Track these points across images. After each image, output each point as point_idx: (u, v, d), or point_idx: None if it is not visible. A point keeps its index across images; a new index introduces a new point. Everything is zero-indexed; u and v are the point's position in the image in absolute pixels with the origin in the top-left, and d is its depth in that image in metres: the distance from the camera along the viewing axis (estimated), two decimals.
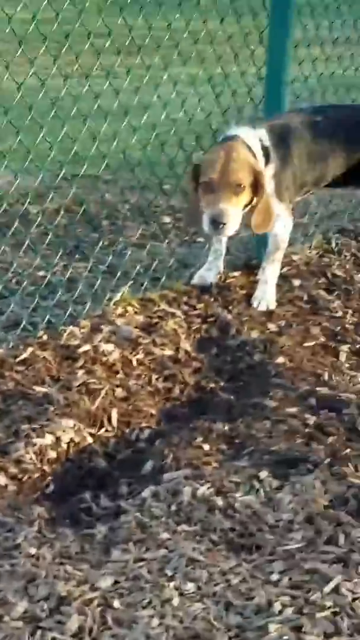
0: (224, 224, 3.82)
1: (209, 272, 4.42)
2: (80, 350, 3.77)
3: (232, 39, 4.75)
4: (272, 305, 4.28)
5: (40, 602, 2.46)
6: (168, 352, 3.87)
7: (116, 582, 2.57)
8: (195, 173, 3.99)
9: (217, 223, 3.83)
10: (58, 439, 3.25)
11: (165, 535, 2.77)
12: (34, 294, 4.20)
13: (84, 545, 2.76)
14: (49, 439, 3.23)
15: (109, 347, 3.81)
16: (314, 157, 4.30)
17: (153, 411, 3.57)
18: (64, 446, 3.26)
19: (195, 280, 4.41)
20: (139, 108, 4.53)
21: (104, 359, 3.75)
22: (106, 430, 3.43)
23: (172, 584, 2.57)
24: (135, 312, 4.13)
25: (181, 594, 2.54)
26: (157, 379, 3.73)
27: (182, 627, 2.43)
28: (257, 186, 3.92)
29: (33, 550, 2.67)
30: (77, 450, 3.29)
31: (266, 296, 4.30)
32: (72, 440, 3.29)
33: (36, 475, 3.14)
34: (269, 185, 4.07)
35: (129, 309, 4.15)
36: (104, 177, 5.32)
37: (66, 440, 3.27)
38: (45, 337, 3.85)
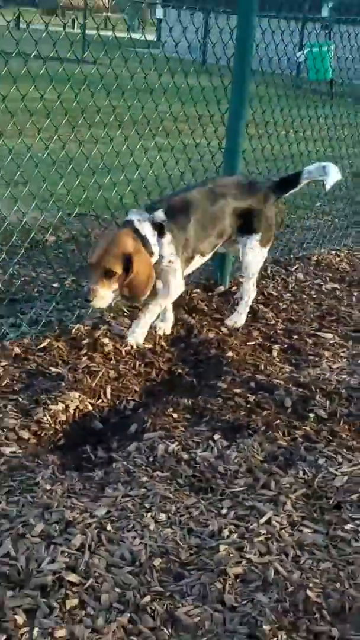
0: (90, 300, 3.47)
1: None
2: (84, 342, 3.77)
3: (202, 119, 4.75)
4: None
5: (53, 525, 2.47)
6: (148, 345, 3.86)
7: (109, 511, 2.58)
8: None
9: (85, 298, 3.54)
10: (67, 406, 3.24)
11: (145, 479, 2.79)
12: (51, 301, 4.18)
13: (85, 484, 2.76)
14: (60, 406, 3.22)
15: (106, 340, 3.80)
16: (208, 219, 3.85)
17: (137, 388, 3.55)
18: (72, 412, 3.25)
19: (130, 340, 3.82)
20: (132, 166, 4.54)
21: (102, 349, 3.73)
22: (102, 401, 3.41)
23: (149, 514, 2.59)
24: (125, 316, 4.13)
25: (156, 522, 2.56)
26: (139, 365, 3.71)
27: (157, 545, 2.45)
28: (129, 267, 3.45)
29: (48, 487, 2.68)
30: (81, 415, 3.29)
31: (167, 323, 4.02)
32: (77, 407, 3.28)
33: (50, 432, 3.13)
34: (167, 249, 3.65)
35: (121, 313, 4.16)
36: (104, 216, 5.31)
37: (73, 407, 3.26)
38: (58, 332, 3.85)
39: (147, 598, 2.23)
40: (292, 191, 4.27)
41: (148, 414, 3.28)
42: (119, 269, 3.43)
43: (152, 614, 2.18)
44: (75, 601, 2.18)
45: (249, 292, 4.27)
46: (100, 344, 3.77)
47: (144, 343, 3.83)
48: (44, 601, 2.16)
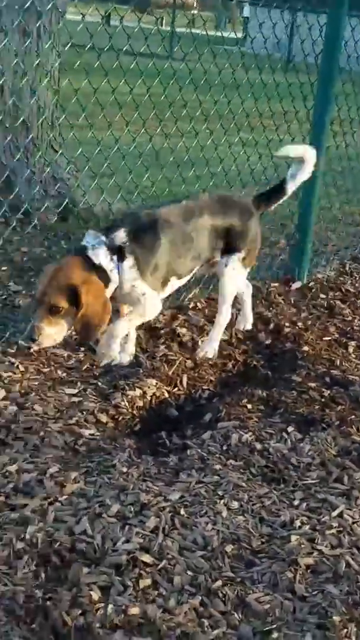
0: (35, 340, 3.01)
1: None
2: (163, 331, 3.78)
3: (287, 115, 4.71)
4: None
5: (128, 506, 2.49)
6: (224, 337, 3.85)
7: (182, 496, 2.58)
8: None
9: (30, 337, 3.06)
10: (144, 392, 3.26)
11: (218, 467, 2.78)
12: None
13: (160, 469, 2.77)
14: (138, 392, 3.24)
15: (183, 330, 3.81)
16: (182, 239, 3.35)
17: (212, 378, 3.55)
18: (149, 398, 3.26)
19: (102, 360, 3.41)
20: (216, 160, 4.53)
21: (179, 338, 3.74)
22: (178, 389, 3.42)
23: (222, 501, 2.58)
24: (203, 307, 4.13)
25: (229, 509, 2.55)
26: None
27: (229, 532, 2.45)
28: (78, 301, 2.99)
29: (124, 469, 2.70)
30: (157, 401, 3.30)
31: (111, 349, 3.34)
32: (154, 394, 3.29)
33: (128, 417, 3.15)
34: (128, 273, 3.16)
35: (198, 304, 4.15)
36: None
37: (150, 394, 3.28)
38: None
39: (219, 582, 2.23)
40: (279, 201, 3.76)
41: (223, 404, 3.28)
42: (64, 304, 2.98)
43: (223, 599, 2.18)
44: (148, 581, 2.19)
45: (223, 315, 3.70)
46: (178, 334, 3.78)
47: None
48: (119, 579, 2.18)
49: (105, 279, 3.11)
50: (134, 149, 4.00)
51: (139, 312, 3.31)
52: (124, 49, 3.72)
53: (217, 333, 3.70)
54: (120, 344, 3.40)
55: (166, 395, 3.35)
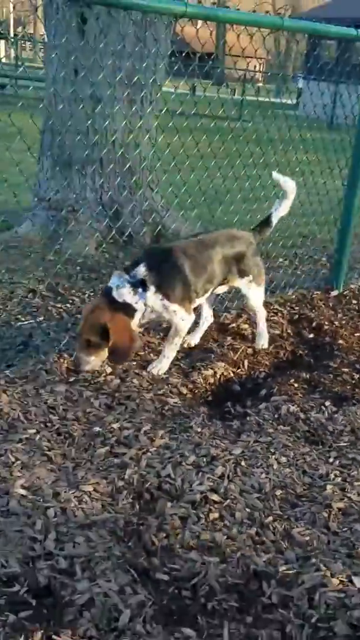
0: (77, 367, 2.91)
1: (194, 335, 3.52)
2: (229, 326, 3.75)
3: (330, 163, 4.61)
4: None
5: (201, 458, 2.47)
6: (277, 331, 3.79)
7: (243, 452, 2.56)
8: None
9: (74, 365, 2.96)
10: (215, 372, 3.24)
11: (271, 430, 2.75)
12: None
13: (226, 430, 2.76)
14: (210, 371, 3.22)
15: (245, 326, 3.77)
16: (200, 265, 3.11)
17: (267, 363, 3.51)
18: (218, 376, 3.24)
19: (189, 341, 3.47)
20: (274, 198, 4.44)
21: (242, 332, 3.71)
22: (241, 370, 3.38)
23: (273, 457, 2.54)
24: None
25: (279, 463, 2.52)
26: (270, 346, 3.67)
27: (278, 480, 2.41)
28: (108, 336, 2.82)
29: (199, 430, 2.69)
30: (225, 379, 3.27)
31: (162, 364, 3.17)
32: (222, 374, 3.27)
33: (202, 390, 3.14)
34: (153, 298, 2.94)
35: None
36: None
37: (219, 373, 3.25)
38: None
39: (270, 518, 2.19)
40: (269, 230, 3.55)
41: (275, 382, 3.23)
42: (96, 339, 2.83)
43: (273, 531, 2.14)
44: (216, 515, 2.18)
45: (262, 316, 3.62)
46: (241, 328, 3.74)
47: (274, 330, 3.75)
48: (194, 512, 2.17)
49: (130, 312, 2.91)
50: (211, 189, 3.98)
51: (174, 329, 3.12)
52: (206, 112, 3.70)
53: (263, 329, 3.64)
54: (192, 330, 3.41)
55: (232, 374, 3.32)
